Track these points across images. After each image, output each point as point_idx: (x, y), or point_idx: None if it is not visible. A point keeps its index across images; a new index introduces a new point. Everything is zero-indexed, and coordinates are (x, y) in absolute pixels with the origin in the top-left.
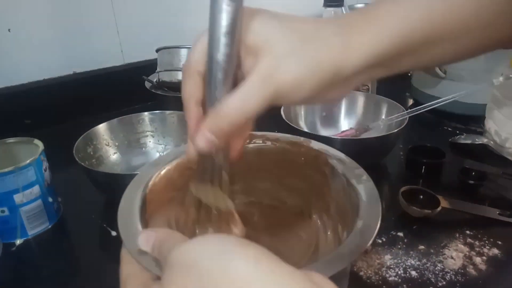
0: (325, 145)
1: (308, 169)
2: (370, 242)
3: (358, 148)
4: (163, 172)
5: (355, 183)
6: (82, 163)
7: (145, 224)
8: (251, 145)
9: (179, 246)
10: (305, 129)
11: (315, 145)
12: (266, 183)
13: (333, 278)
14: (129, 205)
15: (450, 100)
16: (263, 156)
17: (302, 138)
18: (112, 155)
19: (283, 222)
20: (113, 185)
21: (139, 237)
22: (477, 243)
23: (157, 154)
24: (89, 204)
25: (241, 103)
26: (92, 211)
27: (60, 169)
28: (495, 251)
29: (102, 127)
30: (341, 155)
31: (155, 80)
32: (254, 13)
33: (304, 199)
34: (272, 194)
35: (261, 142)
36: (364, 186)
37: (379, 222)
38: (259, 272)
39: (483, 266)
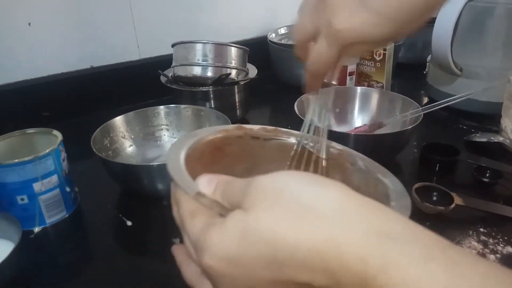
0: (343, 146)
1: (331, 166)
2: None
3: (371, 144)
4: (201, 142)
5: (381, 177)
6: (100, 154)
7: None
8: (273, 141)
9: (262, 176)
10: (319, 125)
11: (336, 145)
12: None
13: None
14: (177, 160)
15: (465, 98)
16: (286, 152)
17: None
18: (128, 148)
19: None
20: (129, 176)
21: (199, 179)
22: (491, 240)
23: None
24: (106, 194)
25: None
26: (108, 201)
27: (77, 160)
28: (510, 249)
29: (118, 120)
30: (361, 155)
31: (170, 75)
32: None
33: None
34: None
35: (285, 138)
36: (389, 180)
37: (411, 203)
38: (351, 199)
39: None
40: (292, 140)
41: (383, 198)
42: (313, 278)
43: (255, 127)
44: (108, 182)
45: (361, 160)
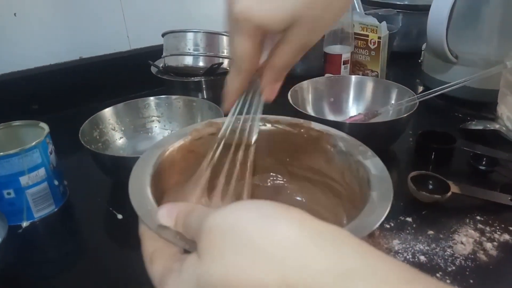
0: (326, 126)
1: (311, 149)
2: (387, 210)
3: (366, 133)
4: (167, 153)
5: (361, 159)
6: (88, 147)
7: (158, 203)
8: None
9: (215, 212)
10: (313, 115)
11: (316, 126)
12: (268, 165)
13: None
14: (140, 184)
15: (461, 85)
16: (263, 138)
17: (302, 120)
18: (118, 140)
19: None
20: (119, 169)
21: (159, 211)
22: (488, 228)
23: None
24: (95, 187)
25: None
26: (98, 195)
27: (67, 154)
28: (506, 236)
29: (108, 111)
30: (343, 134)
31: (161, 65)
32: None
33: (307, 179)
34: (276, 175)
35: (261, 124)
36: (370, 161)
37: (392, 191)
38: (304, 233)
39: (494, 252)
40: (268, 125)
41: (364, 185)
42: None
43: (227, 119)
44: (98, 175)
45: (342, 141)
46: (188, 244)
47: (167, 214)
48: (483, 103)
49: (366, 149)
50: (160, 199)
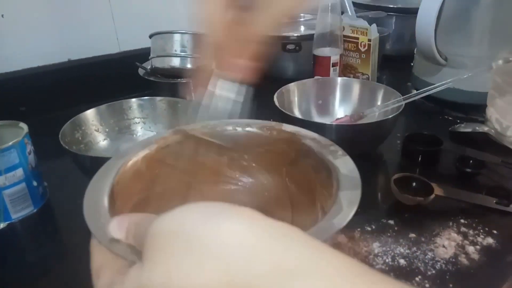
0: (297, 127)
1: (281, 151)
2: (354, 210)
3: (352, 135)
4: (129, 163)
5: (332, 158)
6: (68, 148)
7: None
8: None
9: (160, 217)
10: (300, 117)
11: (287, 127)
12: (238, 170)
13: None
14: (97, 195)
15: (448, 86)
16: (235, 143)
17: (273, 122)
18: (101, 141)
19: (264, 206)
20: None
21: (110, 224)
22: (471, 232)
23: None
24: (76, 189)
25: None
26: (79, 196)
27: (49, 155)
28: (490, 240)
29: (90, 113)
30: (314, 135)
31: (148, 67)
32: None
33: (280, 181)
34: (248, 178)
35: (231, 129)
36: (340, 161)
37: (360, 191)
38: (254, 231)
39: (476, 256)
40: (239, 129)
41: (333, 185)
42: None
43: (197, 125)
44: (79, 177)
45: (312, 141)
46: (137, 256)
47: (117, 227)
48: (472, 106)
49: (337, 149)
50: (121, 212)
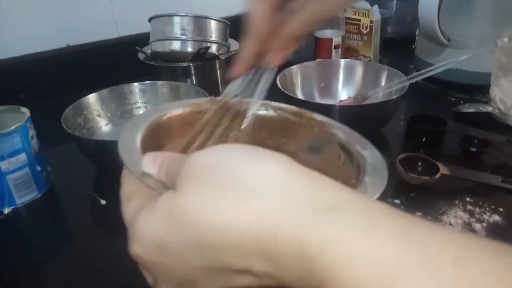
0: (328, 118)
1: (310, 136)
2: (381, 192)
3: (356, 116)
4: (164, 118)
5: (360, 150)
6: (71, 132)
7: None
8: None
9: (200, 152)
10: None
11: (318, 116)
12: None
13: None
14: (131, 136)
15: (451, 66)
16: (264, 123)
17: (304, 110)
18: (104, 126)
19: None
20: (103, 154)
21: (143, 159)
22: (477, 210)
23: None
24: (80, 174)
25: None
26: (83, 181)
27: (52, 141)
28: (496, 217)
29: (92, 97)
30: (344, 127)
31: (148, 52)
32: None
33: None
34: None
35: (263, 109)
36: (369, 152)
37: (387, 177)
38: (292, 174)
39: (483, 233)
40: (271, 111)
41: (360, 171)
42: (250, 265)
43: (233, 99)
44: (82, 162)
45: (343, 132)
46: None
47: (151, 162)
48: (476, 86)
49: (366, 142)
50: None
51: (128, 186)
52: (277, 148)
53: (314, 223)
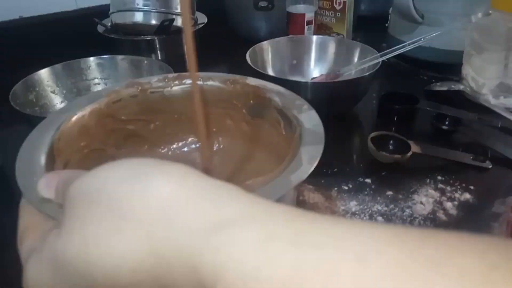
0: (263, 80)
1: (242, 106)
2: (314, 165)
3: (329, 93)
4: (74, 118)
5: (296, 113)
6: (21, 110)
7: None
8: (178, 87)
9: (82, 176)
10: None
11: (252, 81)
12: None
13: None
14: (33, 152)
15: (425, 43)
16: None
17: (237, 76)
18: (59, 104)
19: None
20: None
21: (39, 182)
22: (448, 188)
23: None
24: None
25: None
26: None
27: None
28: (467, 196)
29: (44, 72)
30: (280, 88)
31: (108, 24)
32: None
33: (241, 139)
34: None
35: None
36: (305, 115)
37: (322, 146)
38: (184, 191)
39: (453, 211)
40: (199, 83)
41: (296, 139)
42: None
43: (153, 78)
44: None
45: (278, 95)
46: None
47: (46, 185)
48: (448, 65)
49: (303, 103)
50: (66, 166)
51: (22, 222)
52: (220, 120)
53: (207, 247)
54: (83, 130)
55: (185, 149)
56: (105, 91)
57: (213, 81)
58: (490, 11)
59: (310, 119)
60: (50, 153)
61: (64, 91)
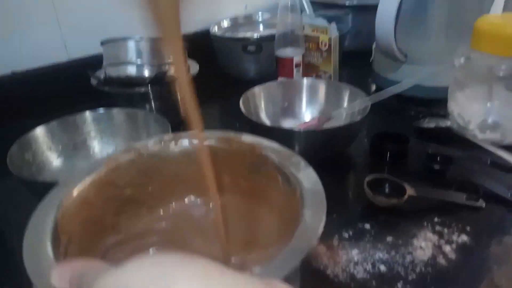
0: (258, 137)
1: (242, 164)
2: (320, 231)
3: (322, 140)
4: (75, 192)
5: (294, 170)
6: (18, 172)
7: (61, 256)
8: (175, 148)
9: (105, 274)
10: (267, 121)
11: (247, 138)
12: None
13: (286, 279)
14: (38, 236)
15: (411, 85)
16: (192, 160)
17: (232, 133)
18: (55, 160)
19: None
20: None
21: (51, 275)
22: (445, 230)
23: None
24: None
25: None
26: None
27: None
28: (464, 237)
29: (40, 130)
30: (275, 145)
31: (102, 76)
32: None
33: (244, 197)
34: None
35: (187, 143)
36: (303, 173)
37: (325, 206)
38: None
39: (452, 255)
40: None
41: (297, 200)
42: None
43: (150, 141)
44: (33, 205)
45: (274, 152)
46: None
47: (59, 276)
48: (435, 100)
49: (299, 160)
50: (69, 251)
51: None
52: (217, 178)
53: None
54: (84, 203)
55: (183, 207)
56: (104, 160)
57: (209, 140)
58: (471, 54)
59: (308, 178)
60: (55, 233)
61: (60, 147)
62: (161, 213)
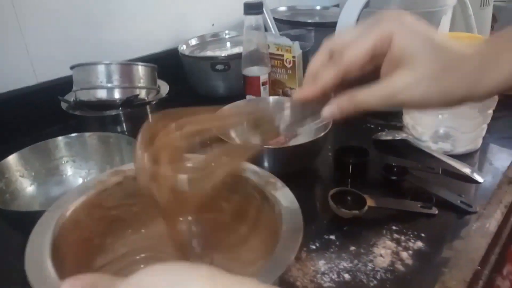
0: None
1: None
2: (298, 245)
3: (289, 155)
4: (68, 214)
5: (271, 189)
6: None
7: (62, 273)
8: None
9: (122, 283)
10: (236, 138)
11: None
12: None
13: None
14: (39, 257)
15: None
16: None
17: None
18: (28, 187)
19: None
20: (29, 223)
21: (62, 286)
22: (402, 237)
23: (80, 180)
24: (5, 246)
25: (364, 99)
26: (10, 254)
27: None
28: (419, 244)
29: (12, 159)
30: (254, 167)
31: (72, 100)
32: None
33: (224, 216)
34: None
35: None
36: (280, 192)
37: (302, 225)
38: None
39: (409, 261)
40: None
41: (277, 218)
42: None
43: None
44: (6, 231)
45: (254, 174)
46: None
47: None
48: (391, 113)
49: (276, 180)
50: (69, 268)
51: None
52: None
53: None
54: (76, 224)
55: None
56: (92, 182)
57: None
58: None
59: (285, 197)
60: (55, 253)
61: (33, 173)
62: (145, 232)
